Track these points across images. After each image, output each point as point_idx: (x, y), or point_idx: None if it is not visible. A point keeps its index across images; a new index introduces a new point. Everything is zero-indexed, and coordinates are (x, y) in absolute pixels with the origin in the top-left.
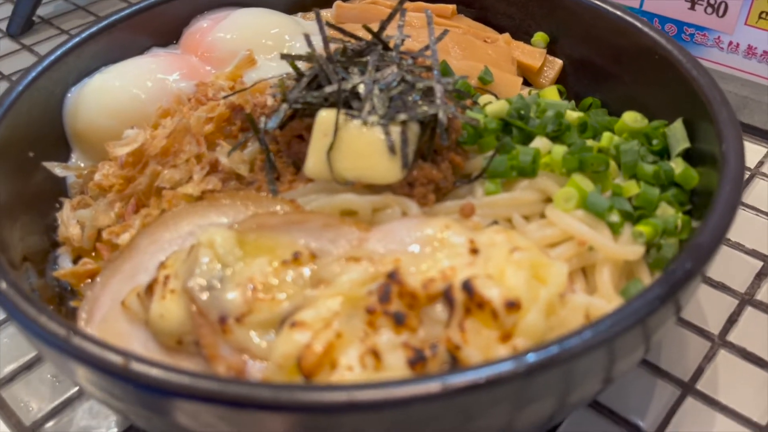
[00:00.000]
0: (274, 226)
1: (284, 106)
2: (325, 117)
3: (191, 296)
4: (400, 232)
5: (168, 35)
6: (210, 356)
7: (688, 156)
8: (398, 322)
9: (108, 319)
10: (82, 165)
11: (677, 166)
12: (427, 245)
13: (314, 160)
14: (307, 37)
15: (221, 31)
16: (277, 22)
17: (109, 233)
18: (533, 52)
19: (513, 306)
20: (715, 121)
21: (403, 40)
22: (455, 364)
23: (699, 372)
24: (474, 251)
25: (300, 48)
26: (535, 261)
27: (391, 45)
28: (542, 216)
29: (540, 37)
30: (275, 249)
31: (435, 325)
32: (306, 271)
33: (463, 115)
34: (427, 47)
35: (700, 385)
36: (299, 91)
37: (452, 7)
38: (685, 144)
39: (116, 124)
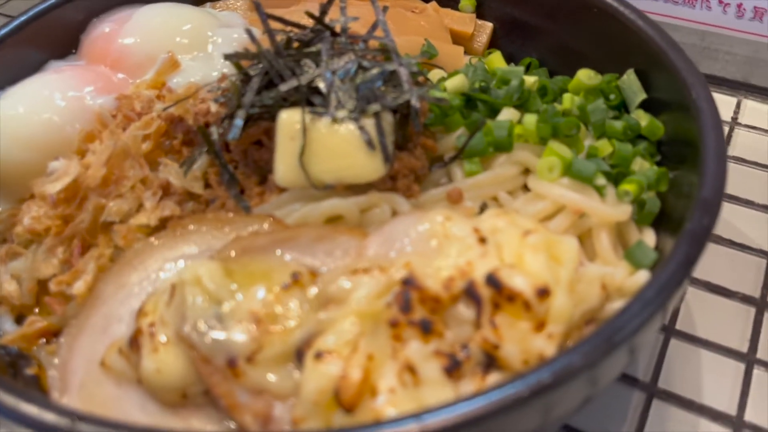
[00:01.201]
0: (261, 247)
1: (240, 112)
2: (289, 119)
3: (189, 343)
4: (399, 233)
5: (64, 46)
6: (230, 406)
7: (645, 107)
8: (425, 330)
9: (87, 384)
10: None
11: (641, 118)
12: (432, 242)
13: (285, 167)
14: (249, 32)
15: (130, 34)
16: (190, 17)
17: (58, 284)
18: (463, 18)
19: (544, 293)
20: (674, 69)
21: (347, 24)
22: (491, 363)
23: (675, 314)
24: (482, 240)
25: (224, 43)
26: (548, 240)
27: (337, 30)
28: (525, 189)
29: (467, 1)
30: (269, 273)
31: (461, 326)
32: (311, 291)
33: (430, 96)
34: (375, 27)
35: (679, 325)
36: (252, 93)
37: None
38: (642, 95)
39: (33, 156)
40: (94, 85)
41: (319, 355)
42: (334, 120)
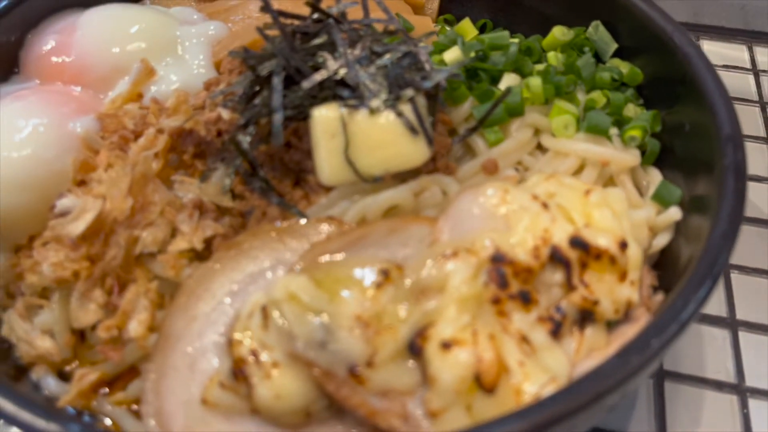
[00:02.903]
0: (337, 251)
1: (278, 115)
2: (325, 116)
3: (306, 361)
4: (465, 213)
5: (2, 67)
6: (369, 415)
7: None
8: (525, 300)
9: (193, 426)
10: None
11: (620, 67)
12: (499, 216)
13: (330, 166)
14: (261, 30)
15: (86, 45)
16: (146, 18)
17: (107, 329)
18: None
19: (625, 246)
20: (647, 18)
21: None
22: (585, 319)
23: None
24: (544, 206)
25: (195, 44)
26: (605, 195)
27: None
28: (539, 148)
29: None
30: (354, 276)
31: (550, 289)
32: (403, 285)
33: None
34: (366, 9)
35: None
36: (279, 93)
37: None
38: (613, 45)
39: (24, 199)
40: (66, 107)
41: (446, 345)
42: (371, 111)
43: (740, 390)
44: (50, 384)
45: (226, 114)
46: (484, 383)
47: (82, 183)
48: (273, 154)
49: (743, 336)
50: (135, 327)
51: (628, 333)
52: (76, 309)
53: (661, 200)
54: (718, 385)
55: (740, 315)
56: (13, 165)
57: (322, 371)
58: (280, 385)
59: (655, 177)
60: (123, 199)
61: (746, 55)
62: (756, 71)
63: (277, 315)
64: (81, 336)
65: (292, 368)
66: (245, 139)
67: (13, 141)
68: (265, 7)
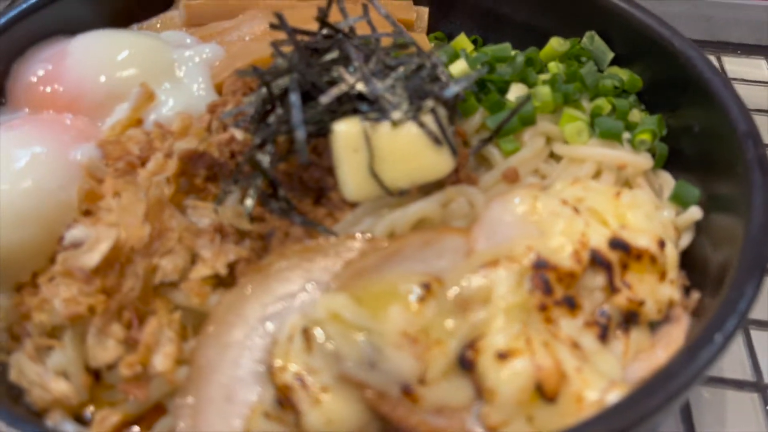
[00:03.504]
0: (373, 267)
1: (300, 132)
2: (347, 130)
3: (357, 382)
4: (497, 222)
5: None
6: None
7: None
8: (571, 306)
9: None
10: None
11: (620, 74)
12: (533, 222)
13: (355, 181)
14: (276, 46)
15: (79, 71)
16: (139, 42)
17: (129, 366)
18: (403, 6)
19: (663, 245)
20: (644, 26)
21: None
22: (628, 321)
23: None
24: (576, 210)
25: (192, 67)
26: (635, 197)
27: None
28: (552, 156)
29: None
30: (395, 290)
31: (592, 293)
32: (446, 297)
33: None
34: (369, 23)
35: None
36: (299, 109)
37: None
38: (610, 54)
39: (27, 234)
40: (65, 135)
41: (501, 356)
42: (394, 123)
43: (760, 387)
44: (69, 430)
45: (239, 134)
46: (546, 392)
47: (87, 213)
48: (291, 173)
49: (755, 334)
50: (161, 361)
51: (671, 333)
52: (93, 346)
53: (680, 200)
54: (738, 384)
55: (751, 314)
56: (14, 198)
57: (375, 392)
58: (331, 410)
59: (666, 179)
60: (140, 227)
61: (716, 65)
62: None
63: (320, 336)
64: (95, 376)
65: (342, 391)
66: (264, 158)
67: (13, 172)
68: (281, 24)
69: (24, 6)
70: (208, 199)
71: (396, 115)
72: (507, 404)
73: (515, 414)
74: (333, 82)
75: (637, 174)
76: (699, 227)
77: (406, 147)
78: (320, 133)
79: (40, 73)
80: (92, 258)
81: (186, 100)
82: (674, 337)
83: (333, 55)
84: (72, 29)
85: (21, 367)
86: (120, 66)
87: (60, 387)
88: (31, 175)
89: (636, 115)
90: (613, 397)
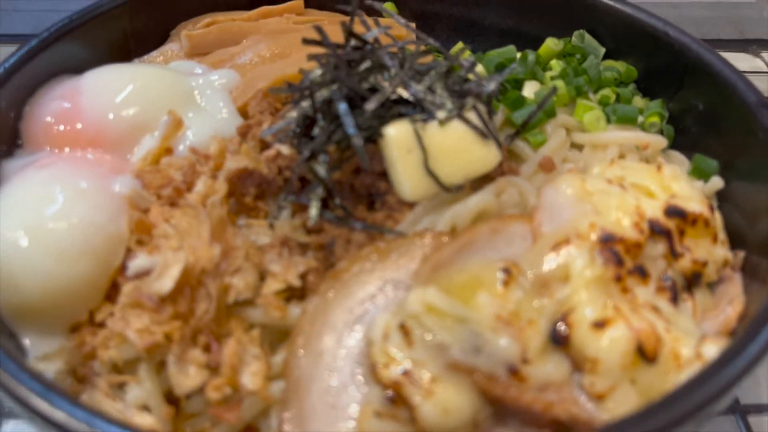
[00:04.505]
0: (450, 259)
1: (357, 139)
2: (398, 133)
3: (467, 368)
4: (554, 204)
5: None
6: (546, 408)
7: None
8: (642, 274)
9: None
10: (57, 346)
11: (618, 67)
12: (587, 202)
13: (411, 181)
14: (318, 58)
15: (100, 107)
16: (154, 74)
17: (217, 389)
18: (392, 23)
19: (713, 209)
20: (633, 20)
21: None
22: (692, 284)
23: None
24: (622, 187)
25: (215, 93)
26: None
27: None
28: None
29: (390, 6)
30: (478, 278)
31: (655, 261)
32: (526, 279)
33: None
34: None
35: None
36: (349, 116)
37: (300, 1)
38: (602, 49)
39: (83, 270)
40: (101, 169)
41: (598, 325)
42: (440, 122)
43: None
44: None
45: (285, 150)
46: (647, 353)
47: (139, 243)
48: (342, 182)
49: None
50: (250, 380)
51: (729, 291)
52: (175, 375)
53: (700, 173)
54: None
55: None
56: (64, 235)
57: (485, 376)
58: (446, 399)
59: (678, 157)
60: (208, 248)
61: None
62: None
63: (418, 329)
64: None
65: (452, 379)
66: (321, 168)
67: (57, 209)
68: (321, 36)
69: (27, 47)
70: (258, 217)
71: (441, 114)
72: (611, 370)
73: (620, 379)
74: (373, 90)
75: (656, 153)
76: (719, 196)
77: (457, 143)
78: (370, 138)
79: (56, 112)
80: (165, 284)
81: (213, 125)
82: (734, 294)
83: (367, 64)
84: (74, 68)
85: (98, 407)
86: (140, 98)
87: (146, 421)
88: (77, 211)
89: (638, 101)
90: (711, 350)
